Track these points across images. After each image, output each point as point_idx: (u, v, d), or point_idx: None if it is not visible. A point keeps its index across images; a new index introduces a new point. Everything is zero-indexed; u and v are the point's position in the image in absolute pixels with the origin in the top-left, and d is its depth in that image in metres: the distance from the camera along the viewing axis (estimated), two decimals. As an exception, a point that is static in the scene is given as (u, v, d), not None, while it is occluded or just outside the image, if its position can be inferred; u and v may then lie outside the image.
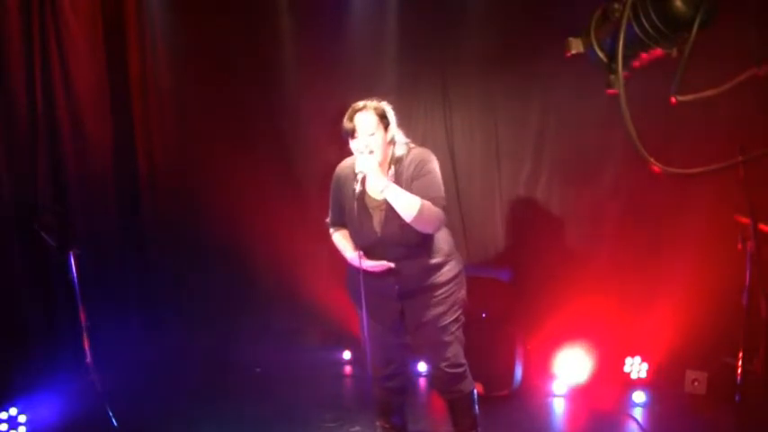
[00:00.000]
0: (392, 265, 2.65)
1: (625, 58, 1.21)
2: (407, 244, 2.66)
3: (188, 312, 4.65)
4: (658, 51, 1.25)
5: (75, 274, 3.51)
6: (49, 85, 4.11)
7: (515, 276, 3.98)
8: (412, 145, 2.78)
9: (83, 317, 3.55)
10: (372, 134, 2.62)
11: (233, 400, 3.95)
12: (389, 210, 2.62)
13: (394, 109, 2.76)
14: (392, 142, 2.72)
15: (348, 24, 4.39)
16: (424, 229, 2.60)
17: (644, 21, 1.21)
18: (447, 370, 2.83)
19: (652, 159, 1.21)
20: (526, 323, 3.94)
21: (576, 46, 1.35)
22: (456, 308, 2.81)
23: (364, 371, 4.26)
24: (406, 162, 2.69)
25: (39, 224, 3.62)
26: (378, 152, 2.63)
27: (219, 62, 4.55)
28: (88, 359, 3.57)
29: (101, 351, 3.67)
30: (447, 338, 2.80)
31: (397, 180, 2.65)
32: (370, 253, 2.70)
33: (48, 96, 4.11)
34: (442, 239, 2.78)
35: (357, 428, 3.55)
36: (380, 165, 2.63)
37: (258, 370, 4.40)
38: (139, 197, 4.70)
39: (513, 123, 4.18)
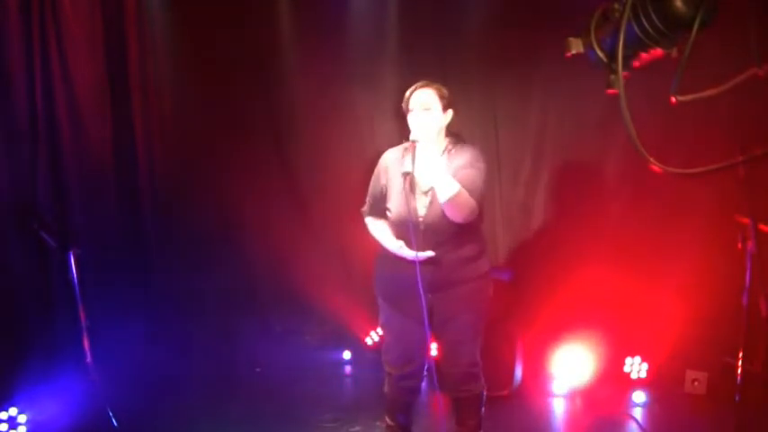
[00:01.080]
0: (432, 253, 2.63)
1: (625, 58, 1.21)
2: (448, 231, 2.66)
3: (188, 312, 4.64)
4: (658, 51, 1.25)
5: (75, 274, 3.51)
6: (49, 85, 4.10)
7: (515, 276, 3.98)
8: (466, 142, 2.82)
9: (83, 317, 3.55)
10: (428, 109, 2.66)
11: (233, 400, 3.95)
12: (435, 196, 2.64)
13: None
14: (447, 130, 2.75)
15: (348, 24, 4.39)
16: (454, 215, 2.60)
17: (644, 21, 1.21)
18: (465, 368, 2.84)
19: (652, 159, 1.21)
20: (526, 323, 3.94)
21: (576, 46, 1.35)
22: (483, 305, 2.82)
23: (364, 371, 4.29)
24: (458, 153, 2.72)
25: (39, 224, 3.61)
26: (432, 131, 2.66)
27: (219, 62, 4.55)
28: (88, 359, 3.57)
29: (101, 351, 3.67)
30: (471, 335, 2.81)
31: (452, 167, 2.67)
32: (409, 238, 2.67)
33: (48, 96, 4.10)
34: (479, 235, 2.81)
35: (357, 428, 3.55)
36: (429, 145, 2.66)
37: (258, 370, 4.40)
38: (139, 196, 4.70)
39: (513, 123, 4.19)
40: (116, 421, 3.48)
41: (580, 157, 4.04)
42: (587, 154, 4.02)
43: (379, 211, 2.88)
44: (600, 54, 1.31)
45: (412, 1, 4.27)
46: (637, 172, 3.73)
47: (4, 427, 3.50)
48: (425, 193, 2.71)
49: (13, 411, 3.56)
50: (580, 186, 4.07)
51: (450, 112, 2.75)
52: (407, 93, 2.73)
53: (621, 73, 1.21)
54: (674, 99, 1.23)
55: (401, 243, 2.69)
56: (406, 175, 2.64)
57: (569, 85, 3.83)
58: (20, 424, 3.55)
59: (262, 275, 4.71)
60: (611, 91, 1.25)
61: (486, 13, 4.08)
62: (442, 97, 2.72)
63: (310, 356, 4.54)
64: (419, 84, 2.75)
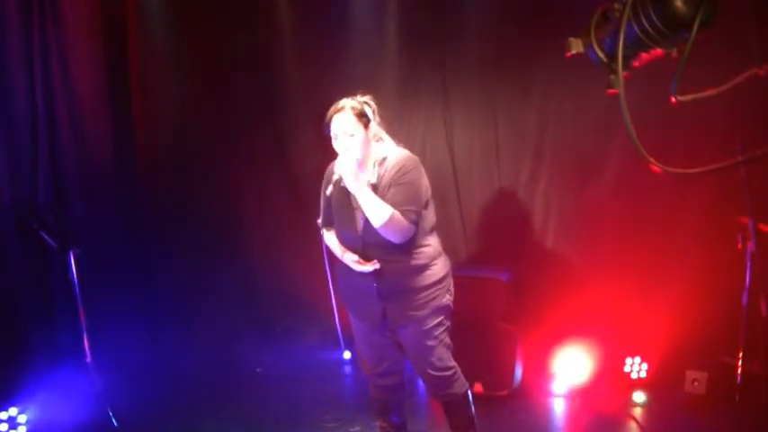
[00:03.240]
0: (377, 266, 2.60)
1: (625, 58, 1.21)
2: (388, 245, 2.60)
3: (188, 312, 4.64)
4: (658, 51, 1.25)
5: (75, 274, 3.51)
6: (48, 85, 4.10)
7: (515, 276, 3.98)
8: (400, 146, 2.74)
9: (83, 317, 3.55)
10: (352, 135, 2.60)
11: (233, 400, 3.95)
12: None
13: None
14: (376, 139, 2.69)
15: (348, 24, 4.39)
16: (391, 237, 2.56)
17: (644, 21, 1.21)
18: (432, 373, 2.79)
19: (652, 159, 1.21)
20: (526, 323, 3.94)
21: (576, 46, 1.35)
22: (439, 312, 2.75)
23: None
24: (389, 164, 2.65)
25: (39, 224, 3.61)
26: (357, 152, 2.61)
27: (219, 62, 4.55)
28: (88, 359, 3.57)
29: (101, 351, 3.67)
30: (430, 342, 2.75)
31: (379, 181, 2.63)
32: (354, 249, 2.67)
33: (48, 96, 4.10)
34: (427, 242, 2.72)
35: (357, 428, 3.54)
36: (362, 164, 2.61)
37: (258, 370, 4.40)
38: (139, 197, 4.70)
39: (513, 123, 4.18)
40: (116, 421, 3.48)
41: (580, 158, 4.04)
42: (587, 154, 4.02)
43: (331, 222, 2.86)
44: (600, 54, 1.31)
45: (412, 1, 4.27)
46: (637, 172, 3.72)
47: (4, 427, 3.50)
48: (360, 208, 2.62)
49: (13, 411, 3.56)
50: (580, 186, 4.07)
51: (372, 126, 2.66)
52: (327, 116, 2.65)
53: (621, 73, 1.22)
54: (674, 99, 1.23)
55: (353, 256, 2.65)
56: (341, 189, 2.62)
57: (569, 86, 3.83)
58: (20, 424, 3.54)
59: (262, 275, 4.71)
60: (611, 91, 1.25)
61: (486, 12, 4.08)
62: (360, 116, 2.62)
63: (310, 356, 4.54)
64: (336, 107, 2.63)
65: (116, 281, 4.41)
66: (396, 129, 4.24)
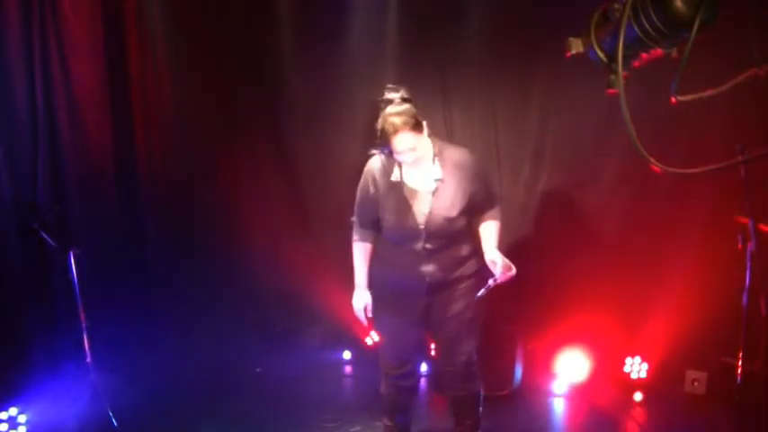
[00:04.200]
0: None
1: (625, 58, 1.21)
2: (449, 235, 2.72)
3: (188, 312, 4.64)
4: (658, 51, 1.25)
5: (75, 274, 3.51)
6: (49, 85, 4.10)
7: (515, 276, 3.97)
8: (451, 146, 2.86)
9: (83, 317, 3.55)
10: (414, 149, 2.61)
11: (233, 400, 3.95)
12: (435, 201, 2.68)
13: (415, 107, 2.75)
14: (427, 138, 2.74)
15: (348, 25, 4.39)
16: None
17: (644, 21, 1.21)
18: (462, 366, 2.84)
19: (652, 159, 1.21)
20: (526, 323, 3.94)
21: (576, 46, 1.35)
22: (479, 303, 2.82)
23: (364, 371, 4.29)
24: (449, 158, 2.72)
25: (39, 224, 3.61)
26: (423, 160, 2.67)
27: (219, 62, 4.55)
28: (88, 359, 3.57)
29: (101, 351, 3.67)
30: (467, 333, 2.82)
31: (446, 173, 2.69)
32: (407, 244, 2.72)
33: (48, 96, 4.10)
34: (472, 234, 2.84)
35: (357, 428, 3.54)
36: (420, 160, 2.66)
37: (258, 370, 4.40)
38: (139, 197, 4.70)
39: (513, 123, 4.18)
40: (116, 421, 3.48)
41: (580, 158, 4.04)
42: (587, 154, 4.01)
43: (369, 221, 2.87)
44: (600, 54, 1.31)
45: (412, 1, 4.27)
46: (637, 172, 3.72)
47: (4, 427, 3.50)
48: (421, 199, 2.71)
49: (13, 411, 3.56)
50: (580, 186, 4.07)
51: (425, 129, 2.68)
52: (384, 137, 2.60)
53: (621, 73, 1.21)
54: (674, 99, 1.23)
55: (364, 300, 2.88)
56: (395, 184, 2.69)
57: (569, 86, 3.82)
58: (20, 424, 3.54)
59: (262, 275, 4.71)
60: (611, 91, 1.25)
61: (487, 12, 4.07)
62: (415, 128, 2.61)
63: (310, 356, 4.54)
64: (389, 127, 2.58)
65: (116, 281, 4.41)
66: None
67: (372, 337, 4.48)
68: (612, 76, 1.24)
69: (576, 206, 4.08)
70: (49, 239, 3.56)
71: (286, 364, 4.42)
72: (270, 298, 4.72)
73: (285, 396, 3.99)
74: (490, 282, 2.61)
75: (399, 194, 2.71)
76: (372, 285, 2.93)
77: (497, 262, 2.60)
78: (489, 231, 2.80)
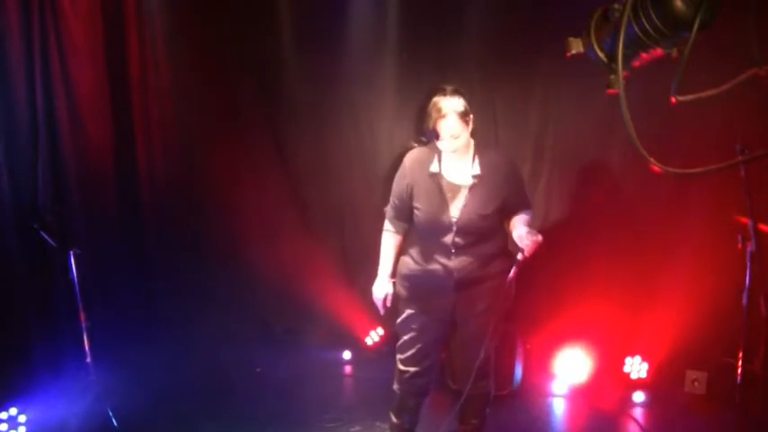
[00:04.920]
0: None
1: (625, 58, 1.21)
2: (481, 232, 2.74)
3: (188, 312, 4.64)
4: (658, 51, 1.25)
5: (75, 274, 3.51)
6: (49, 85, 4.10)
7: (515, 276, 3.97)
8: (492, 151, 2.93)
9: (83, 317, 3.55)
10: (457, 136, 2.66)
11: (233, 400, 3.95)
12: (471, 197, 2.70)
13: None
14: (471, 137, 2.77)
15: (348, 24, 4.39)
16: None
17: (644, 21, 1.21)
18: (481, 365, 2.84)
19: (652, 159, 1.21)
20: (526, 323, 3.94)
21: (576, 46, 1.35)
22: (504, 303, 2.84)
23: (364, 371, 4.29)
24: (490, 160, 2.77)
25: (39, 224, 3.61)
26: (463, 138, 2.70)
27: (219, 62, 4.55)
28: (88, 359, 3.57)
29: (101, 351, 3.67)
30: (488, 332, 2.81)
31: (484, 172, 2.72)
32: (437, 238, 2.74)
33: (48, 96, 4.10)
34: (503, 232, 2.86)
35: (357, 428, 3.55)
36: (462, 154, 2.72)
37: (258, 370, 4.40)
38: (139, 197, 4.70)
39: (513, 123, 4.18)
40: (116, 421, 3.48)
41: (580, 158, 4.04)
42: (587, 154, 4.02)
43: (403, 213, 2.88)
44: (600, 54, 1.31)
45: (412, 1, 4.27)
46: (636, 172, 3.73)
47: (4, 427, 3.50)
48: (458, 193, 2.74)
49: (13, 411, 3.56)
50: (580, 186, 4.07)
51: (471, 123, 2.75)
52: (434, 120, 2.66)
53: (621, 73, 1.21)
54: (674, 99, 1.23)
55: (385, 290, 2.93)
56: (433, 175, 2.72)
57: (569, 86, 3.83)
58: (20, 424, 3.54)
59: (262, 275, 4.71)
60: (611, 91, 1.25)
61: (486, 12, 4.08)
62: (463, 116, 2.69)
63: (310, 356, 4.54)
64: (450, 89, 2.71)
65: (116, 281, 4.41)
66: (396, 128, 4.28)
67: (372, 337, 4.48)
68: (612, 76, 1.23)
69: (576, 206, 4.09)
70: (49, 239, 3.56)
71: (286, 364, 4.42)
72: (270, 298, 4.73)
73: (285, 396, 3.99)
74: (518, 257, 2.60)
75: (436, 186, 2.74)
76: (401, 282, 2.93)
77: (522, 234, 2.59)
78: (519, 219, 2.79)
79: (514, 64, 4.04)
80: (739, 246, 3.05)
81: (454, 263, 2.75)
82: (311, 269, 4.49)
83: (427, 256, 2.80)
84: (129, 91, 4.55)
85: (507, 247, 2.88)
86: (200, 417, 3.70)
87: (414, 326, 2.92)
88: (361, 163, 4.55)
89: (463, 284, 2.78)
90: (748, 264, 3.01)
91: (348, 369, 4.47)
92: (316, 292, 4.50)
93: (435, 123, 2.65)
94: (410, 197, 2.82)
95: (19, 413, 3.57)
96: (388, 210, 2.96)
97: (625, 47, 1.20)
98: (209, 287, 4.67)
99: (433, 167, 2.75)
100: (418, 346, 2.92)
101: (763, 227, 2.96)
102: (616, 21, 1.23)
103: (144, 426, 3.62)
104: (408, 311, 2.92)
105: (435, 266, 2.78)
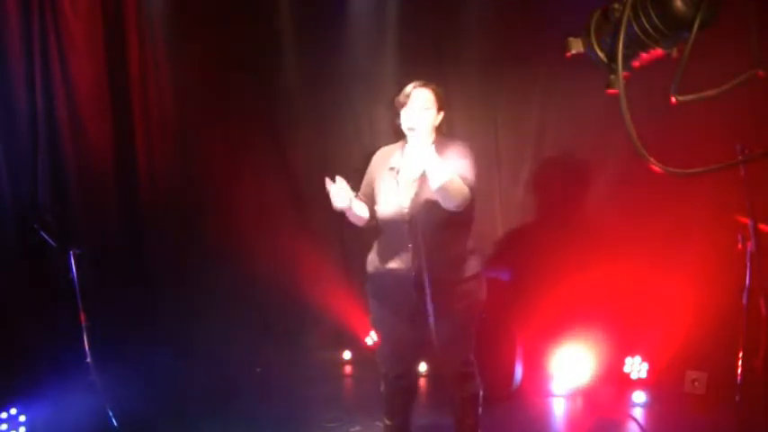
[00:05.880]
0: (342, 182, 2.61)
1: (625, 57, 1.21)
2: (433, 227, 2.64)
3: (188, 312, 4.65)
4: (658, 51, 1.25)
5: (75, 274, 3.51)
6: (49, 85, 4.11)
7: (515, 276, 3.98)
8: (456, 140, 2.81)
9: (83, 317, 3.55)
10: (427, 109, 2.65)
11: (233, 400, 3.95)
12: (420, 187, 2.64)
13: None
14: (436, 131, 2.74)
15: (348, 25, 4.40)
16: (447, 202, 2.53)
17: (644, 21, 1.20)
18: (457, 368, 2.84)
19: (652, 159, 1.21)
20: (526, 323, 3.94)
21: (576, 46, 1.34)
22: (476, 307, 2.81)
23: (364, 371, 4.29)
24: (445, 145, 2.70)
25: (39, 224, 3.61)
26: (426, 125, 2.64)
27: (219, 62, 4.55)
28: (88, 359, 3.57)
29: (101, 351, 3.67)
30: (464, 336, 2.80)
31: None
32: (396, 231, 2.69)
33: (48, 96, 4.11)
34: (469, 235, 2.79)
35: (357, 428, 3.54)
36: (425, 144, 2.63)
37: (258, 370, 4.40)
38: (139, 197, 4.70)
39: (513, 123, 4.19)
40: (116, 421, 3.48)
41: (580, 157, 4.04)
42: (587, 154, 4.02)
43: (370, 207, 2.88)
44: (600, 54, 1.31)
45: (412, 1, 4.27)
46: (636, 172, 3.72)
47: (4, 426, 3.50)
48: (412, 186, 2.68)
49: (13, 411, 3.56)
50: (580, 186, 4.07)
51: (441, 113, 2.74)
52: (408, 89, 2.70)
53: (621, 73, 1.21)
54: (674, 99, 1.23)
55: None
56: (392, 169, 2.70)
57: (569, 85, 3.82)
58: (20, 424, 3.54)
59: (262, 275, 4.71)
60: (611, 91, 1.24)
61: (486, 12, 4.08)
62: (438, 98, 2.71)
63: (310, 356, 4.54)
64: (419, 82, 2.73)
65: (116, 281, 4.42)
66: (395, 127, 4.27)
67: (372, 337, 4.48)
68: (612, 76, 1.23)
69: (576, 206, 4.09)
70: (49, 239, 3.56)
71: (286, 364, 4.42)
72: (270, 298, 4.73)
73: (285, 396, 3.99)
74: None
75: (394, 180, 2.71)
76: (368, 281, 2.91)
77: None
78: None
79: (514, 64, 4.04)
80: (739, 246, 3.04)
81: (414, 261, 2.65)
82: (311, 269, 4.49)
83: (389, 255, 2.74)
84: (129, 91, 4.55)
85: (476, 250, 2.80)
86: (200, 417, 3.70)
87: (385, 327, 2.90)
88: (361, 162, 4.54)
89: (425, 285, 2.66)
90: (748, 264, 3.01)
91: (348, 369, 4.47)
92: (316, 292, 4.50)
93: (410, 93, 2.68)
94: (372, 192, 2.82)
95: (19, 413, 3.57)
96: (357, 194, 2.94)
97: (625, 47, 1.20)
98: (210, 287, 4.67)
99: (393, 162, 2.73)
100: (392, 348, 2.91)
101: (763, 227, 2.96)
102: (616, 20, 1.23)
103: (144, 426, 3.62)
104: (378, 312, 2.90)
105: (397, 265, 2.70)
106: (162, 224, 4.75)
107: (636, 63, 1.28)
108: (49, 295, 4.11)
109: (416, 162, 2.62)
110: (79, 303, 3.54)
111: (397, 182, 2.71)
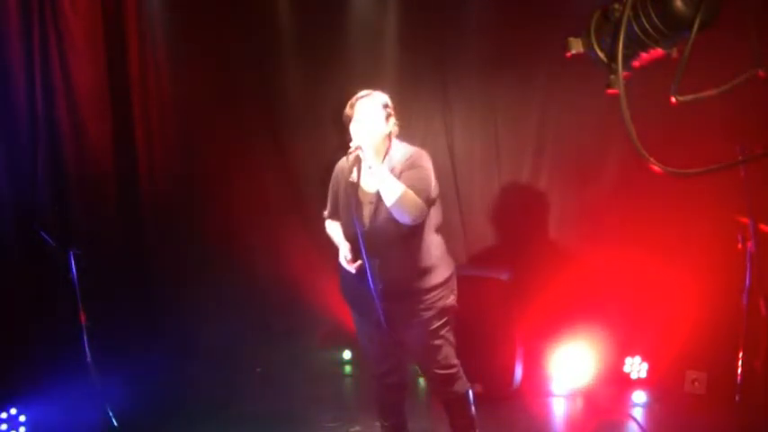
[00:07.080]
0: (357, 264, 2.60)
1: (625, 57, 1.21)
2: (394, 241, 2.60)
3: (188, 312, 4.65)
4: (658, 51, 1.25)
5: (75, 274, 3.51)
6: (49, 85, 4.10)
7: (515, 276, 3.98)
8: (410, 147, 2.75)
9: (83, 317, 3.55)
10: (374, 122, 2.62)
11: (233, 400, 3.95)
12: (379, 202, 2.60)
13: (394, 109, 2.75)
14: (389, 137, 2.70)
15: (348, 25, 4.39)
16: (402, 216, 2.52)
17: (644, 21, 1.21)
18: (438, 372, 2.81)
19: (652, 159, 1.21)
20: (526, 323, 3.94)
21: (576, 46, 1.34)
22: (445, 312, 2.75)
23: (364, 371, 4.29)
24: (400, 156, 2.66)
25: (39, 224, 3.61)
26: (374, 139, 2.61)
27: (219, 62, 4.55)
28: (88, 359, 3.57)
29: (101, 351, 3.67)
30: (437, 342, 2.76)
31: (390, 172, 2.61)
32: (355, 243, 2.64)
33: (48, 96, 4.11)
34: (433, 243, 2.72)
35: (357, 428, 3.55)
36: (379, 155, 2.64)
37: (258, 370, 4.40)
38: (139, 197, 4.70)
39: (513, 123, 4.18)
40: (116, 421, 3.48)
41: (580, 158, 4.04)
42: (587, 154, 4.02)
43: (337, 216, 2.88)
44: (600, 54, 1.31)
45: (412, 2, 4.27)
46: (636, 172, 3.72)
47: (4, 426, 3.50)
48: (370, 201, 2.65)
49: (13, 411, 3.56)
50: (580, 186, 4.07)
51: (392, 121, 2.69)
52: (352, 100, 2.68)
53: (621, 73, 1.21)
54: (673, 99, 1.23)
55: (345, 253, 2.67)
56: (350, 184, 2.67)
57: (569, 85, 3.82)
58: (20, 424, 3.54)
59: (262, 275, 4.71)
60: (611, 91, 1.25)
61: (486, 12, 4.08)
62: (384, 107, 2.66)
63: (310, 356, 4.54)
64: (362, 93, 2.69)
65: (116, 281, 4.41)
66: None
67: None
68: (612, 76, 1.23)
69: (576, 206, 4.08)
70: (49, 239, 3.56)
71: (286, 364, 4.42)
72: (270, 298, 4.72)
73: (285, 396, 3.99)
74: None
75: (352, 195, 2.67)
76: (341, 287, 2.92)
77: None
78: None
79: (514, 64, 4.04)
80: (739, 246, 3.05)
81: (376, 273, 2.60)
82: (312, 269, 4.49)
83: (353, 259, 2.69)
84: (129, 91, 4.55)
85: (441, 258, 2.75)
86: (200, 417, 3.70)
87: (361, 329, 2.91)
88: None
89: (389, 297, 2.63)
90: (748, 264, 3.01)
91: (348, 369, 4.47)
92: (316, 292, 4.50)
93: (353, 105, 2.66)
94: (336, 201, 2.81)
95: (19, 413, 3.57)
96: (326, 213, 2.95)
97: (625, 47, 1.20)
98: (210, 287, 4.67)
99: (352, 177, 2.68)
100: (372, 349, 2.92)
101: (763, 227, 2.96)
102: (616, 20, 1.23)
103: (144, 426, 3.62)
104: (354, 316, 2.91)
105: (359, 275, 2.64)
106: (162, 224, 4.75)
107: (636, 63, 1.29)
108: (48, 295, 4.11)
109: (370, 178, 2.61)
110: (79, 303, 3.53)
111: (358, 197, 2.68)
